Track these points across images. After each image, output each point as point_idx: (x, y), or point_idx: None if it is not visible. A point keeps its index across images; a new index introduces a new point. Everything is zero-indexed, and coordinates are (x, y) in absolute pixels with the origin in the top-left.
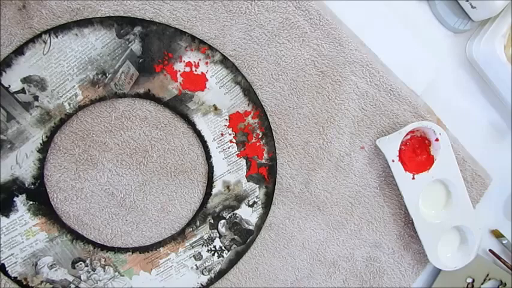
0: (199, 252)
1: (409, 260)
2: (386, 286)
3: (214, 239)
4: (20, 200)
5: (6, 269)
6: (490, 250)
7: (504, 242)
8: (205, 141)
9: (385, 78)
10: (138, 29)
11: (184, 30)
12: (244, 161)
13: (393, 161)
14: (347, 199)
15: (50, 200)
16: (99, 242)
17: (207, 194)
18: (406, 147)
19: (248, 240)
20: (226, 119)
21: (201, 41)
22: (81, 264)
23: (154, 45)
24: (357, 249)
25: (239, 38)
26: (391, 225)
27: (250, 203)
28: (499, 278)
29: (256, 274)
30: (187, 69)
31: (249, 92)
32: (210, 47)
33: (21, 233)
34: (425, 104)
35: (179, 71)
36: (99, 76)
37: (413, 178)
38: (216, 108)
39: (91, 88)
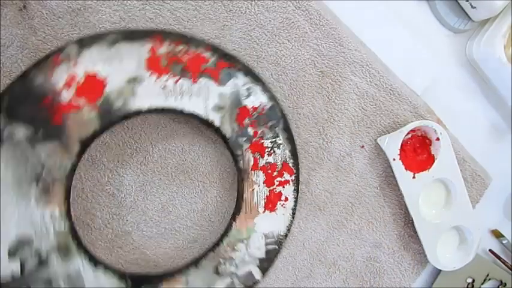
0: None
1: (409, 260)
2: (386, 286)
3: None
4: None
5: None
6: (490, 250)
7: (504, 242)
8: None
9: (385, 78)
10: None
11: (184, 30)
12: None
13: (394, 159)
14: (347, 199)
15: None
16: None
17: None
18: (407, 146)
19: None
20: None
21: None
22: None
23: None
24: (357, 249)
25: (239, 38)
26: (391, 225)
27: None
28: (499, 278)
29: None
30: None
31: None
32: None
33: None
34: (425, 103)
35: None
36: None
37: (413, 177)
38: None
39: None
